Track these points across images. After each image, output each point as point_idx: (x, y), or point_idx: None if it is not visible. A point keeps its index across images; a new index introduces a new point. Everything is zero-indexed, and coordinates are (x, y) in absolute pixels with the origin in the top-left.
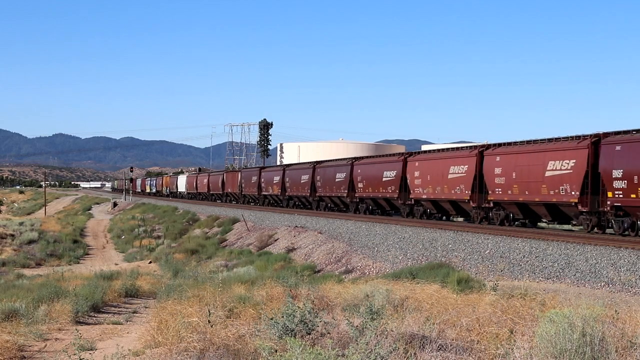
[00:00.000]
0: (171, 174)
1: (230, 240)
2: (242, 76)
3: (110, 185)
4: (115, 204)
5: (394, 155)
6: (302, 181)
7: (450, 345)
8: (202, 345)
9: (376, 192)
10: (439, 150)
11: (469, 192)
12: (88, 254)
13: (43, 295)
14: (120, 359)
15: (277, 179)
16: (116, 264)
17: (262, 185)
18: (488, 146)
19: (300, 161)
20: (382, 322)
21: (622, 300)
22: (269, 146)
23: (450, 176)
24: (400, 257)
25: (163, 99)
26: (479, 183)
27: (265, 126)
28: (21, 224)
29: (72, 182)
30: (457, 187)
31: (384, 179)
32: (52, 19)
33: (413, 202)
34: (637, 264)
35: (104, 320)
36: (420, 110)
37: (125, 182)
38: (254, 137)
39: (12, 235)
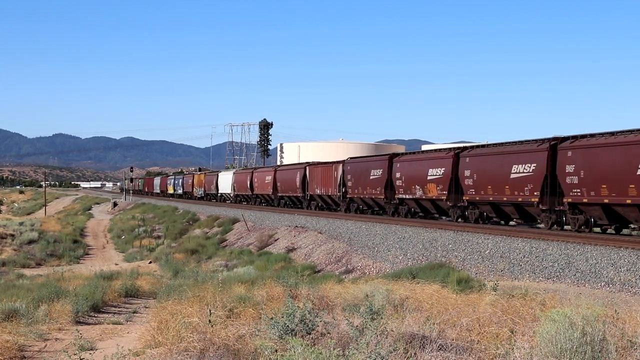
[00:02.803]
0: (208, 172)
1: (230, 240)
2: (242, 76)
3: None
4: (115, 204)
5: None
6: (514, 175)
7: (451, 345)
8: (202, 345)
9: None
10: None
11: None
12: (88, 254)
13: (43, 295)
14: (121, 359)
15: (437, 172)
16: (116, 264)
17: (397, 183)
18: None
19: (301, 161)
20: (382, 322)
21: (622, 300)
22: (269, 146)
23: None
24: (400, 257)
25: (163, 99)
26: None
27: (265, 126)
28: (21, 224)
29: (72, 182)
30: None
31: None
32: (52, 18)
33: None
34: (637, 264)
35: (104, 320)
36: (420, 110)
37: (138, 182)
38: (254, 137)
39: (12, 235)
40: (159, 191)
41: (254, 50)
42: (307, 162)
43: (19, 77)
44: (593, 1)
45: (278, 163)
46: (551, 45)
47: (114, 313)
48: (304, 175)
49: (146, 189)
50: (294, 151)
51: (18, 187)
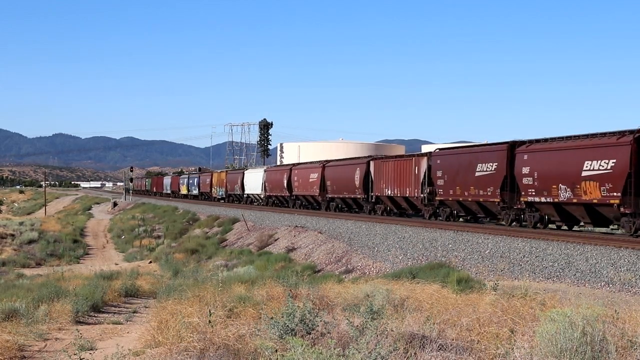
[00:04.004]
0: (230, 170)
1: (230, 240)
2: (242, 76)
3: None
4: (115, 204)
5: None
6: None
7: (451, 345)
8: (202, 345)
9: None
10: None
11: None
12: (88, 254)
13: (43, 295)
14: (121, 359)
15: (600, 166)
16: (116, 264)
17: (524, 182)
18: None
19: (301, 161)
20: (382, 322)
21: (622, 300)
22: (269, 146)
23: None
24: (400, 257)
25: (163, 99)
26: None
27: (265, 126)
28: (21, 223)
29: (72, 182)
30: None
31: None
32: (52, 18)
33: None
34: (637, 264)
35: (104, 320)
36: (420, 110)
37: (145, 182)
38: (254, 137)
39: (12, 235)
40: (169, 192)
41: (254, 50)
42: (370, 156)
43: (19, 77)
44: (593, 1)
45: (278, 163)
46: (552, 45)
47: (114, 313)
48: (367, 172)
49: (154, 189)
50: (294, 151)
51: (18, 187)
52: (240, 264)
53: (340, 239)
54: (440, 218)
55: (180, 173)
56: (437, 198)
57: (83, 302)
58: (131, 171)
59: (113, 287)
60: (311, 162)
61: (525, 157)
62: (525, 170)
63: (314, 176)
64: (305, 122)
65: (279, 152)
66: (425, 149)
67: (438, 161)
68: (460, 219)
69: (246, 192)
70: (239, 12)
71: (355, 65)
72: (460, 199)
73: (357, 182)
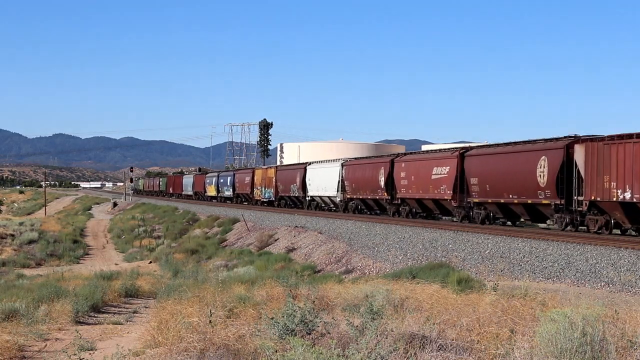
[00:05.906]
0: (282, 166)
1: (230, 240)
2: (242, 76)
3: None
4: (115, 204)
5: None
6: None
7: (451, 345)
8: (202, 345)
9: None
10: None
11: None
12: (88, 254)
13: (43, 295)
14: (120, 359)
15: None
16: (116, 264)
17: None
18: None
19: (300, 161)
20: (382, 322)
21: (622, 300)
22: (269, 146)
23: None
24: (400, 257)
25: (163, 99)
26: None
27: (265, 126)
28: (21, 224)
29: (72, 182)
30: None
31: None
32: (52, 18)
33: None
34: (637, 264)
35: (104, 320)
36: (420, 110)
37: (159, 182)
38: (254, 137)
39: (12, 235)
40: (191, 193)
41: (254, 50)
42: (572, 136)
43: (18, 77)
44: (593, 2)
45: (278, 163)
46: (551, 45)
47: (114, 313)
48: (565, 163)
49: (171, 190)
50: (294, 151)
51: (18, 187)
52: (240, 264)
53: (340, 239)
54: None
55: (181, 173)
56: None
57: (83, 302)
58: (131, 171)
59: (113, 287)
60: (432, 152)
61: None
62: None
63: (443, 171)
64: (305, 122)
65: (279, 152)
66: (425, 149)
67: None
68: None
69: (310, 193)
70: (239, 12)
71: (355, 65)
72: None
73: (540, 179)
